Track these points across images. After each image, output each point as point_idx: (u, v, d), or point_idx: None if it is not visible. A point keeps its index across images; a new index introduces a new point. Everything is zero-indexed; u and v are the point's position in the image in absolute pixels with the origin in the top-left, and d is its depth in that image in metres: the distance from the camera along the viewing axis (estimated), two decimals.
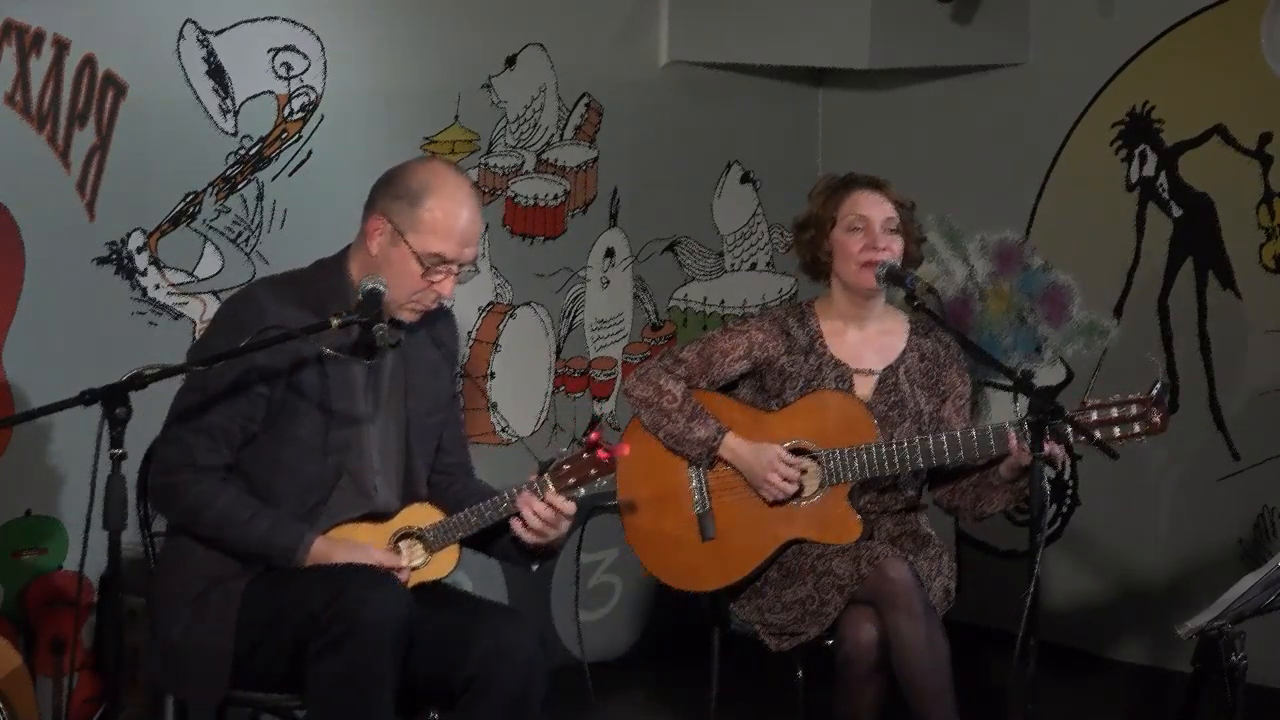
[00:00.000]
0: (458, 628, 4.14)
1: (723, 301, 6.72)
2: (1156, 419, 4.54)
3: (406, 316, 4.19)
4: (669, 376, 4.82)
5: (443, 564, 4.23)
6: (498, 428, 6.20)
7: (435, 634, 4.11)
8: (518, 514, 4.22)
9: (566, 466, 4.22)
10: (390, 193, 4.16)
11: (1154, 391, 4.53)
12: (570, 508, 4.22)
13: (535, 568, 4.38)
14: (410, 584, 4.17)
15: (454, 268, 4.15)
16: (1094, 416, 4.54)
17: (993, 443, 4.63)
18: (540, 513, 4.20)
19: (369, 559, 4.12)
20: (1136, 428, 4.54)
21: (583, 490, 4.23)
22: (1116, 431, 4.53)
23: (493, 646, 4.11)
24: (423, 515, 4.23)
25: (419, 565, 4.20)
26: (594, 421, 6.43)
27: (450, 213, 4.12)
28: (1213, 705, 4.36)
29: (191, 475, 4.10)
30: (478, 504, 4.21)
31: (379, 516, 4.22)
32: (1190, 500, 6.16)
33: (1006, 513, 4.97)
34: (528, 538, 4.24)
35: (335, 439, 4.16)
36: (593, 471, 4.22)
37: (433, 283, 4.14)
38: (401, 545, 4.21)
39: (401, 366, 4.25)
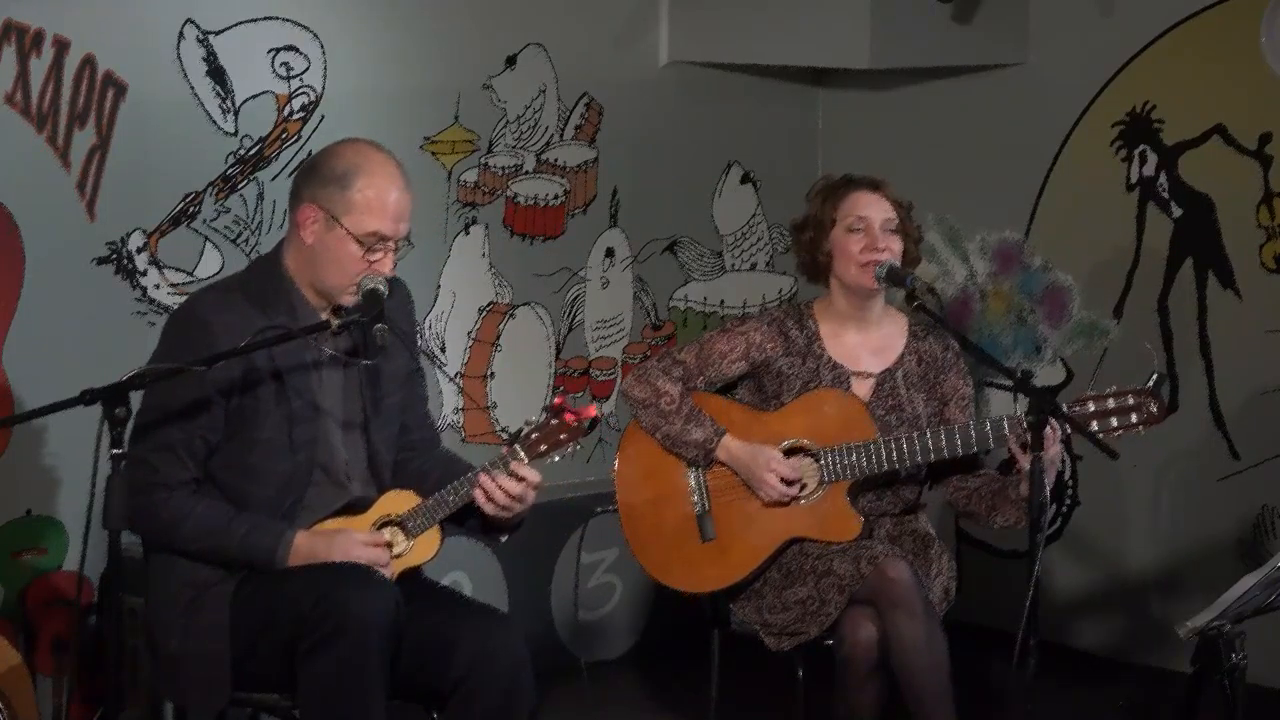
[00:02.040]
0: (441, 631, 4.14)
1: (723, 301, 6.72)
2: (1154, 409, 4.54)
3: (348, 300, 4.18)
4: (666, 378, 4.82)
5: (425, 548, 4.23)
6: (497, 428, 6.20)
7: (419, 637, 4.11)
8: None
9: (536, 435, 4.22)
10: (317, 180, 4.16)
11: (1150, 383, 4.53)
12: (536, 476, 4.22)
13: (504, 540, 4.36)
14: (396, 570, 4.18)
15: (391, 244, 4.16)
16: (1091, 409, 4.55)
17: (991, 438, 4.63)
18: (507, 488, 4.19)
19: (351, 544, 4.12)
20: (1134, 419, 4.54)
21: (556, 456, 4.24)
22: (1114, 423, 4.54)
23: (477, 650, 4.11)
24: (400, 502, 4.23)
25: (402, 552, 4.20)
26: (594, 421, 6.43)
27: (381, 190, 4.13)
28: (1213, 705, 4.36)
29: (163, 493, 4.10)
30: (453, 483, 4.20)
31: (356, 508, 4.22)
32: (1190, 500, 6.16)
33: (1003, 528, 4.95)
34: (489, 509, 4.22)
35: (300, 435, 4.16)
36: (563, 437, 4.22)
37: (372, 262, 4.14)
38: (383, 533, 4.21)
39: (344, 345, 4.23)
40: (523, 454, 4.21)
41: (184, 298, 5.46)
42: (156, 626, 4.17)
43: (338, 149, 4.22)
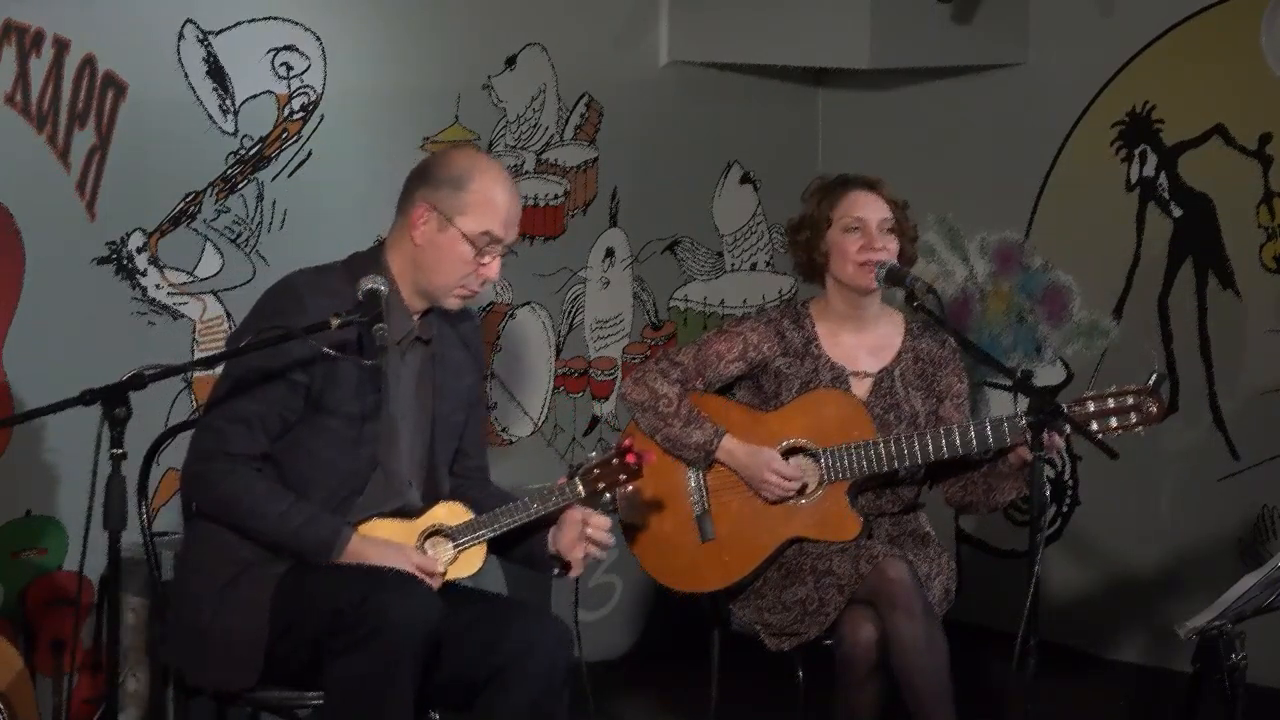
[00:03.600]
0: (481, 625, 4.14)
1: (723, 301, 6.72)
2: (1153, 409, 4.54)
3: (453, 304, 4.24)
4: (664, 380, 4.82)
5: (469, 563, 4.23)
6: (498, 428, 6.20)
7: (458, 631, 4.11)
8: (543, 518, 4.25)
9: (596, 471, 4.25)
10: (432, 181, 4.19)
11: (1150, 382, 4.54)
12: (607, 523, 4.30)
13: (557, 573, 4.38)
14: (439, 582, 4.18)
15: (499, 248, 4.19)
16: (1091, 408, 4.55)
17: (991, 438, 4.63)
18: (599, 540, 4.27)
19: (405, 559, 4.12)
20: (1133, 418, 4.54)
21: (609, 495, 4.26)
22: (1114, 423, 4.54)
23: (517, 644, 4.11)
24: (451, 514, 4.24)
25: (447, 565, 4.20)
26: (594, 421, 6.44)
27: (495, 193, 4.18)
28: (1213, 705, 4.36)
29: (226, 464, 4.09)
30: (507, 504, 4.23)
31: (408, 514, 4.23)
32: (1190, 500, 6.16)
33: (1006, 513, 4.97)
34: (596, 554, 4.30)
35: (368, 431, 4.17)
36: (622, 476, 4.25)
37: (481, 264, 4.18)
38: (429, 544, 4.21)
39: (431, 363, 4.27)
40: (581, 488, 4.24)
41: (184, 298, 5.49)
42: (189, 598, 4.14)
43: (453, 153, 4.27)
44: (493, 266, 4.20)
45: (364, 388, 4.15)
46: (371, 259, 4.24)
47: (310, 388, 4.12)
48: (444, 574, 4.19)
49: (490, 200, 4.16)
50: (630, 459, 4.23)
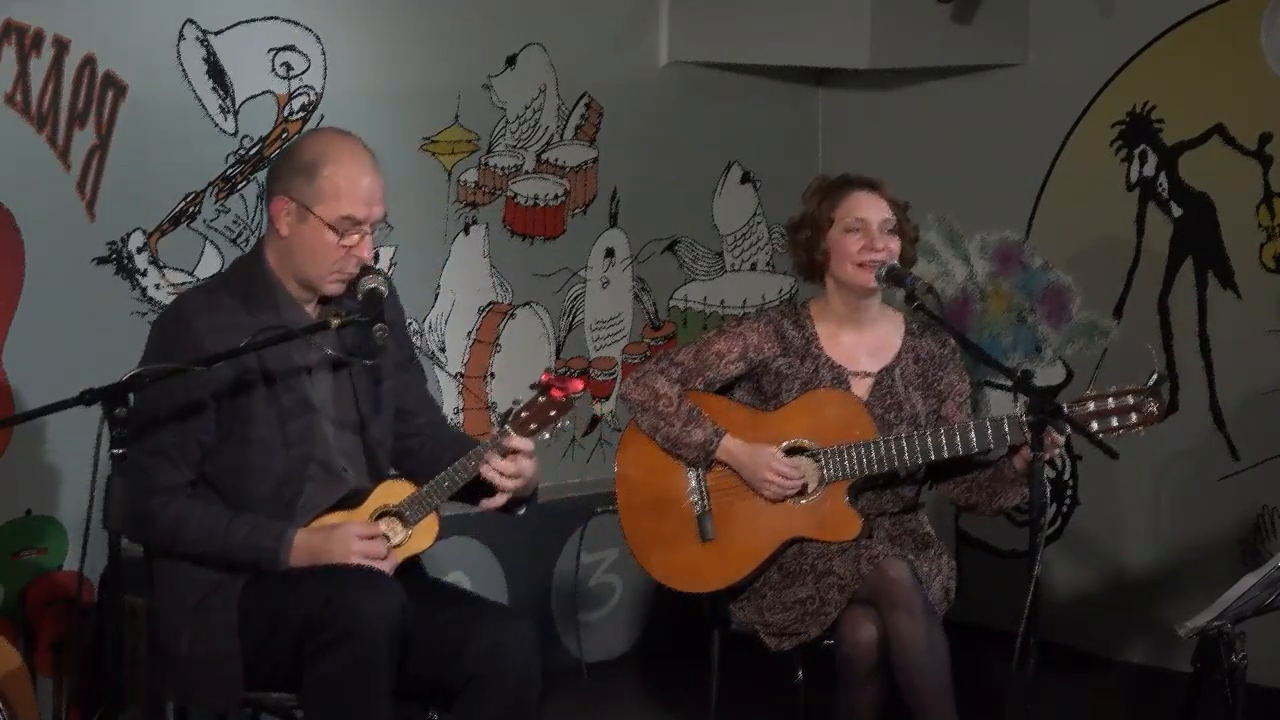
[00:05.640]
0: (454, 627, 4.14)
1: (723, 301, 6.72)
2: (1153, 409, 4.54)
3: (332, 289, 4.19)
4: (664, 379, 4.82)
5: (424, 536, 4.22)
6: (498, 427, 6.19)
7: (432, 634, 4.11)
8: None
9: (525, 414, 4.22)
10: (287, 172, 4.18)
11: (1150, 382, 4.54)
12: (527, 444, 4.22)
13: (521, 513, 4.36)
14: (397, 560, 4.18)
15: (366, 228, 4.17)
16: (1091, 408, 4.55)
17: (991, 437, 4.63)
18: (502, 469, 4.21)
19: (350, 537, 4.11)
20: (1133, 418, 4.55)
21: (546, 433, 4.24)
22: (1114, 422, 4.54)
23: (489, 645, 4.11)
24: (395, 492, 4.23)
25: (400, 542, 4.20)
26: (595, 421, 6.44)
27: (350, 174, 4.15)
28: (1213, 705, 4.36)
29: (161, 498, 4.09)
30: (448, 468, 4.20)
31: (353, 502, 4.22)
32: (1190, 500, 6.16)
33: (1007, 513, 4.96)
34: (507, 486, 4.24)
35: (293, 430, 4.16)
36: (552, 413, 4.22)
37: (349, 247, 4.15)
38: (380, 525, 4.21)
39: (340, 343, 4.24)
40: (513, 433, 4.22)
41: None
42: (163, 629, 4.15)
43: (304, 140, 4.26)
44: (363, 246, 4.17)
45: (275, 391, 4.15)
46: (252, 259, 4.26)
47: (220, 407, 4.12)
48: (394, 543, 4.18)
49: (345, 185, 4.13)
50: (556, 394, 4.20)
